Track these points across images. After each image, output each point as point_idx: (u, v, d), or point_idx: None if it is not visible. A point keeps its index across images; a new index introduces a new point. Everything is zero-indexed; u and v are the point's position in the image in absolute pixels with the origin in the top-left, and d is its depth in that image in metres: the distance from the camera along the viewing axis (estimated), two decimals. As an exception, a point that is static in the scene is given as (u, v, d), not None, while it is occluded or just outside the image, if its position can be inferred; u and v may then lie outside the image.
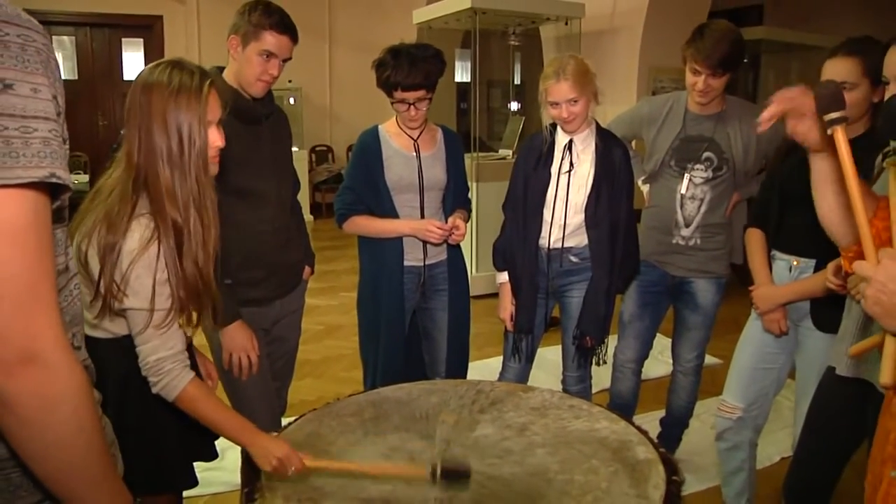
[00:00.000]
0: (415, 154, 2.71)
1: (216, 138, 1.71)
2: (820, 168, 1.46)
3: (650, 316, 3.06)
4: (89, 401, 0.93)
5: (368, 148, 2.71)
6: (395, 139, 2.72)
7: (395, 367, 2.74)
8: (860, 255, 1.49)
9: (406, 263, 2.73)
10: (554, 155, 2.72)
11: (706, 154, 2.82)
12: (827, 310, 2.30)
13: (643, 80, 6.28)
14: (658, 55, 6.23)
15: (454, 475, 1.58)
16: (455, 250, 2.83)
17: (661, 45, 6.14)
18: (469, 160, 6.04)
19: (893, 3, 7.80)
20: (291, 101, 9.90)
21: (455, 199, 2.81)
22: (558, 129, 2.72)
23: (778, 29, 7.98)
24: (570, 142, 2.69)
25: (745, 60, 7.88)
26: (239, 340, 2.26)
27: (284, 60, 2.34)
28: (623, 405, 3.11)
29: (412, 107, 2.63)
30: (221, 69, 2.38)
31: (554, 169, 2.70)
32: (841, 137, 1.17)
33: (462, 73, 10.31)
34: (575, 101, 2.58)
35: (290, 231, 2.54)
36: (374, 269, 2.77)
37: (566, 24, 6.49)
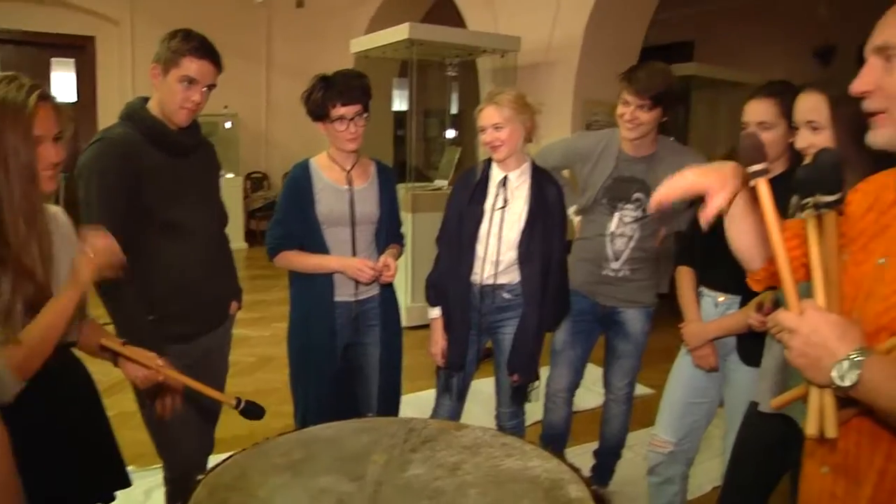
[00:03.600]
0: (347, 187, 2.69)
1: (50, 154, 1.67)
2: (738, 206, 1.47)
3: (581, 344, 3.10)
4: (7, 457, 0.87)
5: (299, 181, 2.67)
6: (326, 172, 2.69)
7: (326, 402, 2.69)
8: (766, 278, 1.51)
9: (337, 299, 2.69)
10: (488, 191, 2.73)
11: (637, 195, 2.87)
12: (753, 344, 2.36)
13: (578, 112, 6.39)
14: (592, 88, 6.35)
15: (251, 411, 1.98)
16: (387, 285, 2.80)
17: (596, 78, 6.27)
18: (405, 190, 6.04)
19: (811, 43, 8.12)
20: (227, 125, 9.79)
21: (388, 234, 2.79)
22: (493, 165, 2.74)
23: (707, 66, 8.23)
24: (505, 178, 2.71)
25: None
26: None
27: (209, 87, 2.30)
28: (557, 435, 3.16)
29: (351, 123, 2.59)
30: (146, 100, 2.33)
31: (488, 205, 2.72)
32: (764, 190, 1.18)
33: (400, 102, 10.34)
34: (499, 127, 2.61)
35: (217, 265, 2.49)
36: (304, 304, 2.73)
37: (502, 56, 6.57)
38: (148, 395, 2.22)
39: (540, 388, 2.90)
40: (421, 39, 6.10)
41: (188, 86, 2.24)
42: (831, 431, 1.13)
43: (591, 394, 4.17)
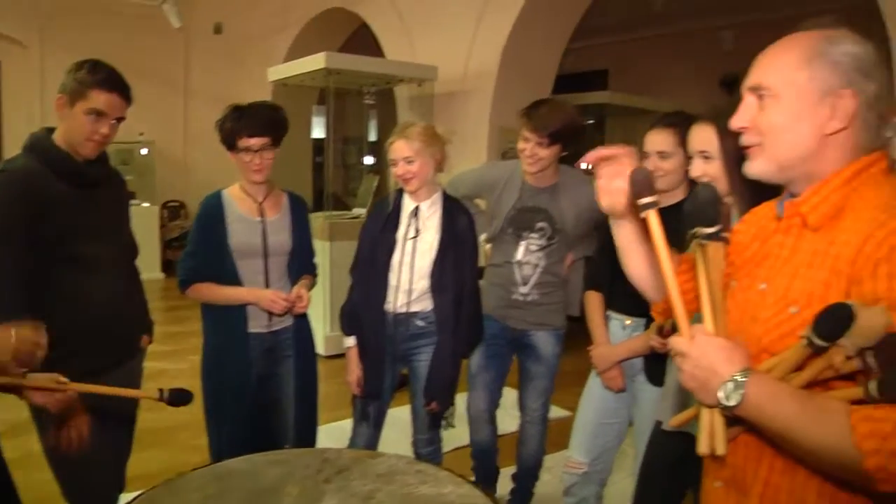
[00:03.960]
0: (259, 218, 2.69)
1: None
2: (625, 233, 1.54)
3: (496, 367, 3.17)
4: None
5: (211, 213, 2.66)
6: (239, 204, 2.70)
7: (242, 435, 2.66)
8: (667, 310, 1.58)
9: (250, 330, 2.68)
10: (400, 220, 2.77)
11: (540, 224, 2.97)
12: (658, 365, 2.44)
13: (493, 139, 6.51)
14: (508, 116, 6.43)
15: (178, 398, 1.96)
16: (301, 316, 2.79)
17: (511, 106, 6.34)
18: (323, 219, 6.03)
19: (718, 72, 8.47)
20: (143, 152, 9.59)
21: (301, 264, 2.80)
22: (405, 195, 2.78)
23: (621, 94, 8.49)
24: (416, 208, 2.75)
25: (591, 121, 8.35)
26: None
27: (118, 120, 2.27)
28: (486, 451, 3.27)
29: (257, 155, 2.61)
30: (52, 130, 2.28)
31: (400, 235, 2.75)
32: (654, 222, 1.23)
33: (319, 130, 10.31)
34: (410, 161, 2.66)
35: (126, 298, 2.44)
36: (217, 337, 2.71)
37: (419, 85, 6.66)
38: (52, 429, 2.16)
39: (456, 415, 2.92)
40: (338, 68, 6.14)
41: (96, 119, 2.21)
42: (720, 449, 1.19)
43: (508, 417, 4.20)
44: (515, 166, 3.05)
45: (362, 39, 8.48)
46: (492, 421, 3.27)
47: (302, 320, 2.81)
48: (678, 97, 8.27)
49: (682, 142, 2.32)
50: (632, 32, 9.45)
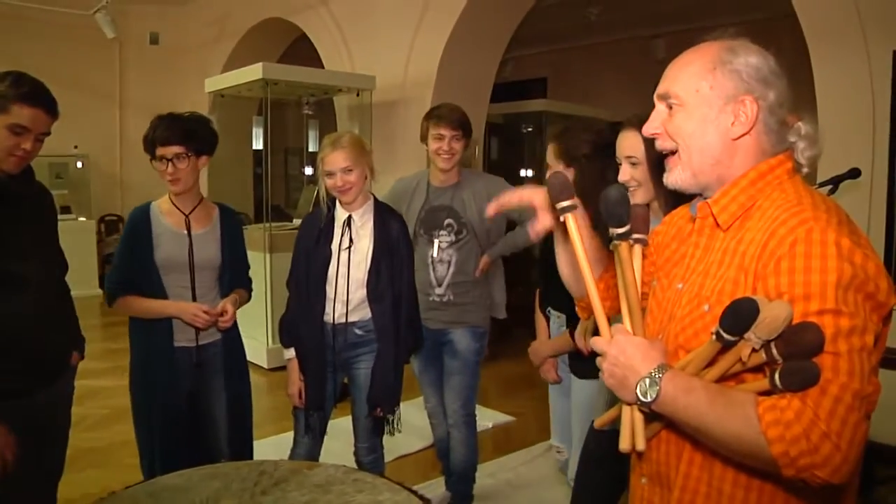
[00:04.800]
0: (186, 232, 2.66)
1: None
2: (559, 238, 1.59)
3: (434, 369, 3.29)
4: None
5: (138, 225, 2.63)
6: (166, 217, 2.66)
7: (175, 451, 2.61)
8: (590, 306, 1.62)
9: (177, 344, 2.63)
10: (334, 231, 2.77)
11: (447, 220, 3.13)
12: (579, 360, 2.51)
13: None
14: (446, 125, 6.51)
15: None
16: (232, 329, 2.75)
17: (449, 115, 6.43)
18: (262, 230, 6.00)
19: (652, 80, 8.64)
20: (79, 165, 9.37)
21: (232, 278, 2.77)
22: (338, 205, 2.78)
23: (559, 102, 8.62)
24: (349, 218, 2.76)
25: (530, 128, 8.46)
26: None
27: (42, 135, 2.21)
28: (448, 448, 3.33)
29: (170, 163, 2.58)
30: None
31: (334, 245, 2.75)
32: (572, 225, 1.27)
33: (260, 141, 10.21)
34: (349, 171, 2.67)
35: (53, 315, 2.37)
36: (143, 351, 2.67)
37: (358, 95, 6.67)
38: None
39: (401, 424, 2.91)
40: (275, 79, 6.11)
41: (18, 134, 2.13)
42: (640, 444, 1.23)
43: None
44: (422, 174, 3.28)
45: (302, 50, 8.44)
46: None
47: (231, 334, 2.76)
48: (614, 104, 8.44)
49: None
50: (569, 42, 9.59)
